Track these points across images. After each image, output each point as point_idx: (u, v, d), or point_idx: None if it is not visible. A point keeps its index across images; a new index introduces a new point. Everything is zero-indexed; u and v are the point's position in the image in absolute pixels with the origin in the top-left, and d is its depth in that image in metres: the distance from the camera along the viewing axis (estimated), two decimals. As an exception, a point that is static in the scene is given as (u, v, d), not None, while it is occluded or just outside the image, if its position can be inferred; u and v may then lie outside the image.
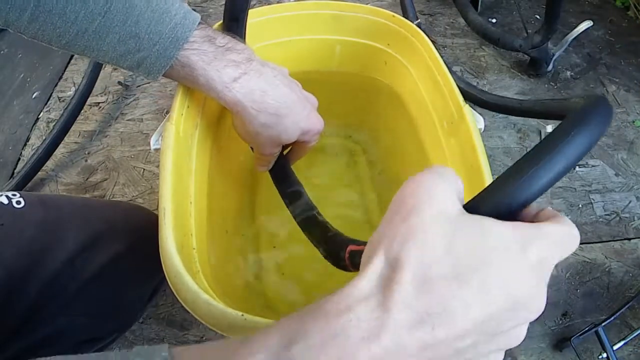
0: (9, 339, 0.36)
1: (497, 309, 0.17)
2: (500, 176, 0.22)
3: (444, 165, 0.21)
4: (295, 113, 0.40)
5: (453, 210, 0.19)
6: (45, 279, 0.37)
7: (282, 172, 0.46)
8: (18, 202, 0.39)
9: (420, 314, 0.17)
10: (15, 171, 0.77)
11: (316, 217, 0.41)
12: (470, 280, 0.17)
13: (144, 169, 0.77)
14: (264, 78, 0.38)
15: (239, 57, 0.37)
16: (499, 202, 0.20)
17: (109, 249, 0.41)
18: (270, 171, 0.47)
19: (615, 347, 0.57)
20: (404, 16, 0.85)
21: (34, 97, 0.87)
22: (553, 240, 0.19)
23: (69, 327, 0.40)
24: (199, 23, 0.36)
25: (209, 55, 0.36)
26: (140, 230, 0.44)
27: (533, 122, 0.84)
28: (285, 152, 0.48)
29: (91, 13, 0.31)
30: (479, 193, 0.22)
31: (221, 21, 0.48)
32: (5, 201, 0.38)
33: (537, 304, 0.18)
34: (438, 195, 0.19)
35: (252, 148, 0.45)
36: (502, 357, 0.20)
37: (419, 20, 0.85)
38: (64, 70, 0.92)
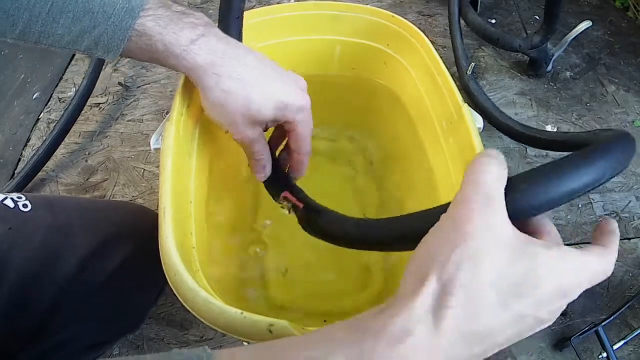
0: (22, 345, 0.36)
1: (526, 329, 0.20)
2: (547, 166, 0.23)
3: (486, 181, 0.21)
4: (266, 81, 0.36)
5: (506, 235, 0.20)
6: (57, 285, 0.37)
7: (278, 181, 0.43)
8: (25, 206, 0.38)
9: (466, 336, 0.19)
10: (15, 172, 0.77)
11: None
12: (511, 308, 0.19)
13: (144, 170, 0.77)
14: (226, 42, 0.36)
15: (197, 21, 0.35)
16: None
17: (119, 253, 0.41)
18: (266, 183, 0.43)
19: (615, 347, 0.57)
20: (456, 63, 0.86)
21: (35, 98, 0.88)
22: (593, 275, 0.21)
23: (81, 332, 0.40)
24: None
25: (165, 20, 0.33)
26: (146, 231, 0.44)
27: (532, 122, 0.84)
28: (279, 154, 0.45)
29: None
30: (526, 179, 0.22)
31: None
32: (12, 205, 0.38)
33: (554, 319, 0.21)
34: (494, 221, 0.20)
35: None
36: None
37: (473, 64, 0.81)
38: (65, 72, 0.92)
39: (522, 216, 0.22)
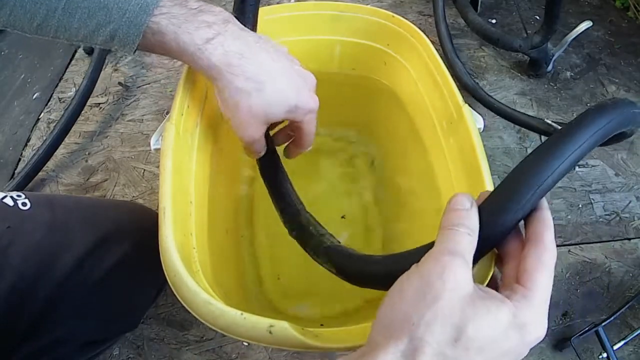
0: (20, 342, 0.36)
1: None
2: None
3: (458, 240, 0.23)
4: (279, 83, 0.36)
5: (469, 292, 0.22)
6: (55, 282, 0.37)
7: (270, 164, 0.43)
8: (24, 204, 0.38)
9: None
10: (15, 172, 0.77)
11: (301, 220, 0.40)
12: (474, 358, 0.21)
13: (144, 170, 0.77)
14: (243, 41, 0.35)
15: (213, 18, 0.35)
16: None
17: (117, 250, 0.41)
18: (259, 160, 0.44)
19: (615, 347, 0.57)
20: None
21: (35, 98, 0.88)
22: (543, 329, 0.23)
23: (78, 329, 0.40)
24: None
25: (180, 18, 0.33)
26: (145, 230, 0.44)
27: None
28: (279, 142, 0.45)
29: None
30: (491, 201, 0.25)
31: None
32: (11, 203, 0.38)
33: None
34: (461, 281, 0.22)
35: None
36: None
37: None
38: (65, 71, 0.92)
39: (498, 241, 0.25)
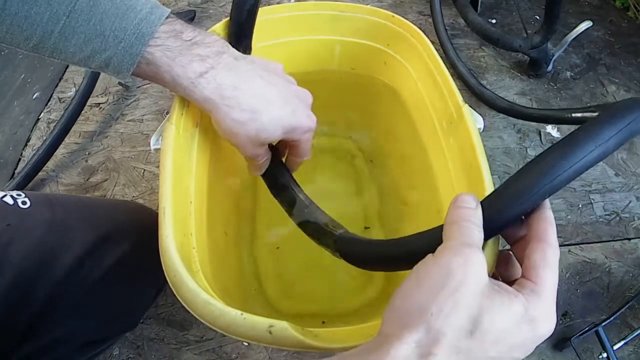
0: (19, 341, 0.36)
1: None
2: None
3: (473, 234, 0.24)
4: (274, 109, 0.37)
5: (485, 284, 0.22)
6: (54, 281, 0.37)
7: (273, 176, 0.44)
8: (24, 203, 0.38)
9: None
10: (15, 171, 0.77)
11: (313, 219, 0.41)
12: (489, 353, 0.21)
13: (144, 170, 0.77)
14: (236, 72, 0.36)
15: (206, 50, 0.35)
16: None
17: (116, 250, 0.41)
18: (263, 176, 0.45)
19: (615, 347, 0.57)
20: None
21: (35, 98, 0.88)
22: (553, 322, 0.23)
23: (78, 329, 0.40)
24: (167, 17, 0.34)
25: (174, 51, 0.34)
26: (145, 229, 0.45)
27: (533, 122, 0.84)
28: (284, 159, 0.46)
29: (56, 14, 0.31)
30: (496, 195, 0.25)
31: (220, 22, 0.48)
32: (10, 201, 0.38)
33: (530, 352, 0.23)
34: (481, 274, 0.22)
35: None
36: None
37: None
38: (65, 71, 0.92)
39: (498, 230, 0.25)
